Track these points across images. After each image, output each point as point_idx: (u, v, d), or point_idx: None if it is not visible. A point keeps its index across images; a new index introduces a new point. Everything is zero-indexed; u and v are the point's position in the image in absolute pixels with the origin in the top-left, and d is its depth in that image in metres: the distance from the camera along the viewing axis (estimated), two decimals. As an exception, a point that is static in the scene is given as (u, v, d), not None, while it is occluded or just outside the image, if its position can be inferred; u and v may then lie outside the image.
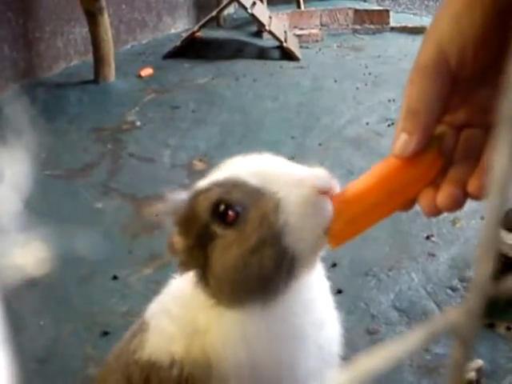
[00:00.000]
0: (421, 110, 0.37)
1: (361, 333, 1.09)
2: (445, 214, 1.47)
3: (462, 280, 1.25)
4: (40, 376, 1.01)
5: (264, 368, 0.51)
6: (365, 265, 1.32)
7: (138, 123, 2.29)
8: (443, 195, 0.37)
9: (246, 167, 0.49)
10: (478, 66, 0.35)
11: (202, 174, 1.92)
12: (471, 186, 0.35)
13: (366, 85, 2.75)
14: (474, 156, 0.36)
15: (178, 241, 0.50)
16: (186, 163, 1.92)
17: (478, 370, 0.98)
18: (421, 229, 1.45)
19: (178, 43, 3.30)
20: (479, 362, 0.99)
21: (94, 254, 1.38)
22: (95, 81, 2.72)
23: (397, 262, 1.32)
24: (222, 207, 0.46)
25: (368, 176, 0.43)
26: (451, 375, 0.15)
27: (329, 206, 0.44)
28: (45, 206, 1.54)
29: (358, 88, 2.70)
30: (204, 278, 0.50)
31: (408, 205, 0.42)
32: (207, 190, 0.48)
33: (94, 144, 2.09)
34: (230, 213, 0.46)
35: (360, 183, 0.43)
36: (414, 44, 3.61)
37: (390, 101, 2.50)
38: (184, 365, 0.51)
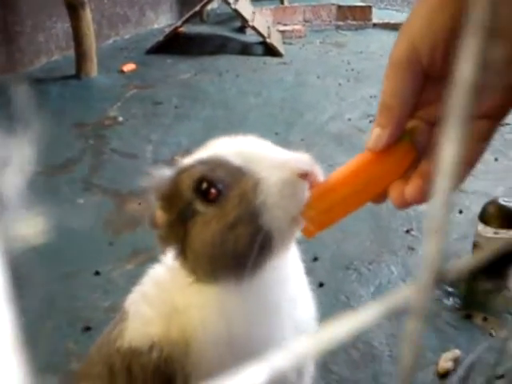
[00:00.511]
0: (394, 105, 0.38)
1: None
2: (424, 208, 1.49)
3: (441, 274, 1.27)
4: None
5: (241, 343, 0.52)
6: (346, 259, 1.33)
7: (121, 119, 2.28)
8: (411, 187, 0.38)
9: (229, 147, 0.50)
10: (449, 65, 0.36)
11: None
12: None
13: (348, 81, 2.77)
14: None
15: (160, 215, 0.51)
16: (169, 159, 1.92)
17: (455, 360, 1.00)
18: (401, 223, 1.47)
19: (160, 38, 3.29)
20: (457, 352, 1.01)
21: (76, 249, 1.38)
22: (77, 76, 2.69)
23: (377, 256, 1.34)
24: (205, 185, 0.47)
25: (343, 168, 0.44)
26: (406, 348, 0.16)
27: (306, 189, 0.46)
28: (25, 201, 1.53)
29: (340, 84, 2.72)
30: (183, 254, 0.51)
31: (381, 197, 0.43)
32: (191, 167, 0.49)
33: (75, 139, 2.08)
34: (212, 190, 0.47)
35: (335, 175, 0.44)
36: (396, 40, 3.64)
37: (371, 97, 2.52)
38: (163, 346, 0.52)
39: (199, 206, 0.48)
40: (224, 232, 0.47)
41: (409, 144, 0.40)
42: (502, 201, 1.13)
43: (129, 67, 2.90)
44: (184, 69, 2.96)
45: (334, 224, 0.45)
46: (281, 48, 3.30)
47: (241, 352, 0.52)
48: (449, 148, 0.16)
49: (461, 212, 1.52)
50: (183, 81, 2.78)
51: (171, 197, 0.50)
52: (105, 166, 1.87)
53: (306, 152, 0.50)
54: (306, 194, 0.46)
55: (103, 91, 2.61)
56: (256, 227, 0.47)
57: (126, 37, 3.63)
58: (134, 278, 1.29)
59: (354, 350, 1.04)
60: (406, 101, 0.37)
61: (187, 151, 1.99)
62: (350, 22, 4.04)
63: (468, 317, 1.13)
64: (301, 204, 0.46)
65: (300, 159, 0.47)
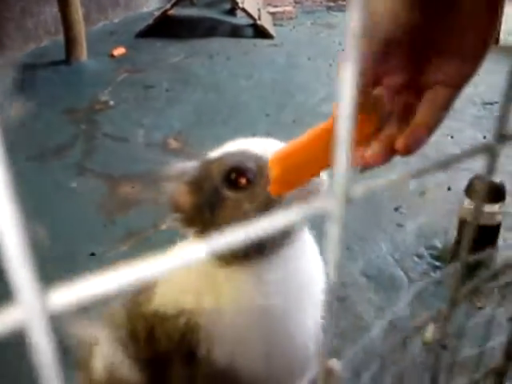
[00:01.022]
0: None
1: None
2: (414, 187, 1.51)
3: (428, 248, 1.31)
4: (19, 357, 1.03)
5: (268, 316, 0.57)
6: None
7: (112, 103, 2.28)
8: (371, 150, 0.39)
9: (256, 144, 0.57)
10: (411, 29, 0.36)
11: (177, 152, 1.92)
12: (398, 144, 0.38)
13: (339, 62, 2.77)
14: (407, 118, 0.39)
15: (186, 200, 0.57)
16: (161, 142, 1.93)
17: (442, 329, 1.03)
18: (390, 201, 1.50)
19: (150, 22, 3.27)
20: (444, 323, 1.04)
21: (71, 232, 1.40)
22: (67, 61, 2.68)
23: (366, 233, 1.37)
24: (234, 175, 0.54)
25: (309, 133, 0.46)
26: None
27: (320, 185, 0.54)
28: (19, 187, 1.54)
29: (331, 65, 2.72)
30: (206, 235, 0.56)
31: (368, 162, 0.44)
32: (221, 158, 0.56)
33: (67, 125, 2.08)
34: (242, 179, 0.54)
35: (300, 139, 0.46)
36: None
37: (362, 77, 2.53)
38: (192, 314, 0.55)
39: (227, 193, 0.54)
40: (257, 209, 0.53)
41: (371, 111, 0.41)
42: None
43: (119, 51, 2.89)
44: (174, 52, 2.95)
45: (299, 185, 0.47)
46: (271, 30, 3.29)
47: (265, 324, 0.58)
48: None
49: (449, 189, 1.55)
50: (174, 64, 2.78)
51: (199, 183, 0.56)
52: (97, 150, 1.88)
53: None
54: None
55: (94, 76, 2.60)
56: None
57: (116, 21, 3.61)
58: (128, 259, 1.32)
59: (344, 321, 1.08)
60: (368, 67, 0.38)
61: (179, 134, 2.00)
62: (340, 2, 4.02)
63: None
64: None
65: None
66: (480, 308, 1.11)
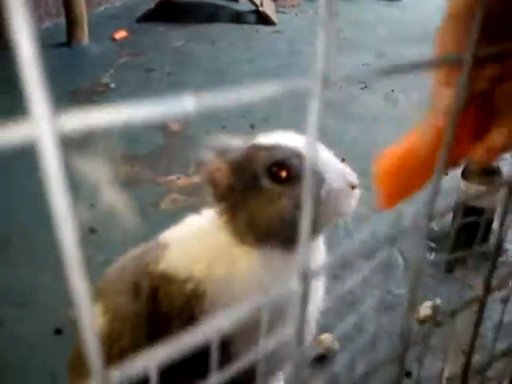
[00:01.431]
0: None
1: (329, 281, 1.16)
2: None
3: (424, 230, 1.32)
4: (20, 318, 1.05)
5: (282, 304, 0.59)
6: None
7: (113, 86, 2.28)
8: (497, 135, 0.38)
9: (304, 143, 0.59)
10: (507, 14, 0.34)
11: (177, 134, 1.93)
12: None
13: (340, 49, 2.77)
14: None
15: (224, 177, 0.59)
16: (162, 125, 1.93)
17: (435, 308, 1.05)
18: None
19: (152, 6, 3.26)
20: (436, 301, 1.06)
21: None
22: (68, 43, 2.68)
23: (363, 215, 1.38)
24: (276, 168, 0.57)
25: (412, 138, 0.42)
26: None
27: (354, 198, 0.59)
28: (17, 168, 1.55)
29: (332, 52, 2.72)
30: (233, 215, 0.59)
31: (456, 161, 0.41)
32: (268, 148, 0.58)
33: (68, 107, 2.08)
34: (284, 173, 0.57)
35: (405, 146, 0.43)
36: (389, 10, 3.62)
37: (363, 65, 2.53)
38: (201, 282, 0.57)
39: (266, 183, 0.57)
40: (293, 208, 0.56)
41: (478, 105, 0.38)
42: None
43: (120, 34, 2.89)
44: (176, 36, 2.95)
45: (409, 196, 0.44)
46: (274, 17, 3.28)
47: (281, 310, 0.59)
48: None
49: (446, 174, 1.56)
50: (175, 48, 2.77)
51: (241, 166, 0.58)
52: (98, 131, 1.88)
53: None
54: (354, 201, 0.59)
55: (95, 59, 2.60)
56: (315, 213, 0.55)
57: (117, 4, 3.59)
58: (126, 235, 1.33)
59: (340, 301, 1.09)
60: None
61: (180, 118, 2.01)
62: (343, -10, 4.00)
63: (449, 271, 1.18)
64: (348, 208, 0.58)
65: (351, 173, 0.60)
66: (471, 287, 1.12)
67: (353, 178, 0.59)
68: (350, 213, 0.59)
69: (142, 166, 1.66)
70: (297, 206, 0.55)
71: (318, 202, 0.56)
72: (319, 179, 0.56)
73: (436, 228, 1.32)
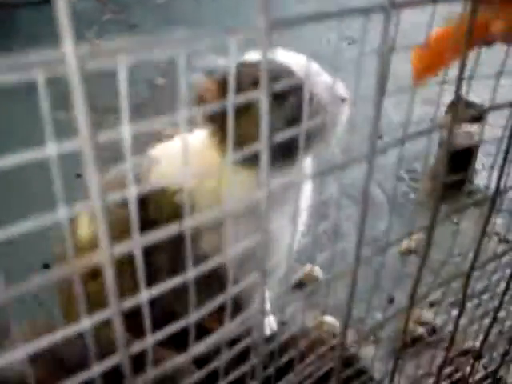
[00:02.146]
0: None
1: (315, 219, 1.18)
2: (397, 119, 1.52)
3: (408, 171, 1.34)
4: (8, 255, 1.07)
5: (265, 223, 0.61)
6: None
7: (97, 42, 2.24)
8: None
9: (293, 59, 0.60)
10: None
11: (163, 88, 1.91)
12: None
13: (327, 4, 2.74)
14: None
15: (213, 95, 0.59)
16: (147, 78, 1.92)
17: (418, 241, 1.08)
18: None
19: (134, -37, 3.17)
20: (419, 235, 1.09)
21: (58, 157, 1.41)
22: (49, 0, 2.61)
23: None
24: None
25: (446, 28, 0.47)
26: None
27: (344, 110, 0.59)
28: (4, 122, 1.54)
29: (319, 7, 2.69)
30: (223, 136, 0.59)
31: (489, 41, 0.46)
32: (255, 64, 0.58)
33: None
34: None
35: (439, 31, 0.48)
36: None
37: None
38: (190, 194, 0.58)
39: (254, 99, 0.54)
40: (282, 124, 0.56)
41: None
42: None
43: (103, -8, 2.82)
44: (160, -7, 2.89)
45: (438, 70, 0.49)
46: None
47: (255, 224, 0.61)
48: None
49: (432, 120, 1.58)
50: (159, 4, 2.72)
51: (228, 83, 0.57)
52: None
53: None
54: (344, 114, 0.58)
55: (78, 15, 2.54)
56: (305, 127, 0.55)
57: (99, -37, 3.50)
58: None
59: (324, 234, 1.12)
60: None
61: (166, 72, 1.99)
62: None
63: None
64: (339, 121, 0.58)
65: (341, 86, 0.60)
66: (456, 223, 1.15)
67: (343, 91, 0.59)
68: (341, 127, 0.60)
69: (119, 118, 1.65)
70: (286, 122, 0.56)
71: (308, 116, 0.56)
72: (309, 93, 0.57)
73: (419, 168, 1.34)
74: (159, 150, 0.65)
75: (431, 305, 0.96)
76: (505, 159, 0.50)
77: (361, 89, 0.47)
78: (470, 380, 0.75)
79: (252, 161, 0.58)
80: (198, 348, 0.30)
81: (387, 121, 1.56)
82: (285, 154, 0.57)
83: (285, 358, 0.37)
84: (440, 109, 1.30)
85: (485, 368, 0.74)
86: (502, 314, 0.72)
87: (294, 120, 0.57)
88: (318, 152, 0.63)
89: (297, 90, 0.57)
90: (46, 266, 1.04)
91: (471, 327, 0.71)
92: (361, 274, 0.42)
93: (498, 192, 0.53)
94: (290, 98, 0.56)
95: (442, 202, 1.32)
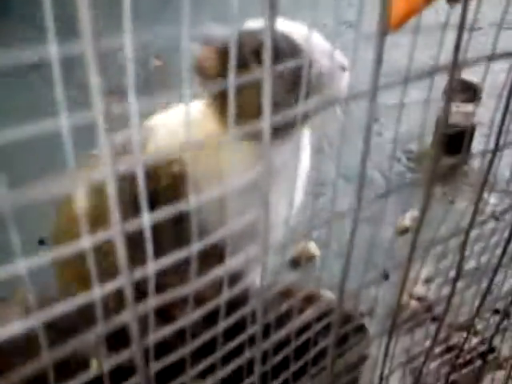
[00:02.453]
0: None
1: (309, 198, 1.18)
2: (393, 100, 1.52)
3: (405, 152, 1.35)
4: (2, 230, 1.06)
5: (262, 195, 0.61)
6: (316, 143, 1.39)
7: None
8: None
9: (292, 27, 0.59)
10: None
11: (158, 69, 1.89)
12: None
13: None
14: None
15: (212, 64, 0.58)
16: (142, 59, 1.90)
17: (414, 220, 1.09)
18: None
19: None
20: (415, 213, 1.10)
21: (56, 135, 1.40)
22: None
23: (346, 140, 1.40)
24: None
25: None
26: None
27: (344, 81, 0.59)
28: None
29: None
30: (222, 106, 0.59)
31: None
32: (257, 33, 0.57)
33: (47, 40, 2.03)
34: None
35: None
36: None
37: (348, 5, 2.49)
38: (187, 165, 0.58)
39: (254, 66, 0.56)
40: (282, 92, 0.56)
41: None
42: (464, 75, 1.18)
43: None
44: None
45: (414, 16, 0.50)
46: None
47: (252, 197, 0.61)
48: None
49: (427, 101, 1.58)
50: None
51: (228, 52, 0.56)
52: (77, 64, 1.85)
53: None
54: (344, 83, 0.59)
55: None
56: (305, 96, 0.55)
57: None
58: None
59: (322, 213, 1.12)
60: None
61: (161, 52, 1.97)
62: None
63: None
64: (339, 90, 0.58)
65: (341, 55, 0.59)
66: (452, 202, 1.16)
67: (343, 59, 0.59)
68: (341, 96, 0.60)
69: (120, 100, 1.64)
70: (286, 91, 0.56)
71: (307, 84, 0.56)
72: (309, 61, 0.57)
73: (415, 149, 1.35)
74: (156, 121, 0.65)
75: (427, 281, 0.96)
76: (499, 134, 0.50)
77: (360, 61, 0.47)
78: (465, 348, 0.76)
79: (252, 134, 0.59)
80: (193, 316, 0.31)
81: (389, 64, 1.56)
82: (284, 124, 0.57)
83: (283, 308, 0.37)
84: (442, 52, 1.30)
85: (479, 338, 0.75)
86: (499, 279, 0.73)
87: (294, 87, 0.56)
88: (317, 122, 0.63)
89: (296, 55, 0.56)
90: (42, 242, 1.04)
91: (467, 292, 0.71)
92: (356, 252, 0.43)
93: (491, 168, 0.53)
94: (288, 68, 0.56)
95: (437, 183, 1.33)
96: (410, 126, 1.46)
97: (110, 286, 0.25)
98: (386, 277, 0.96)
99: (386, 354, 0.53)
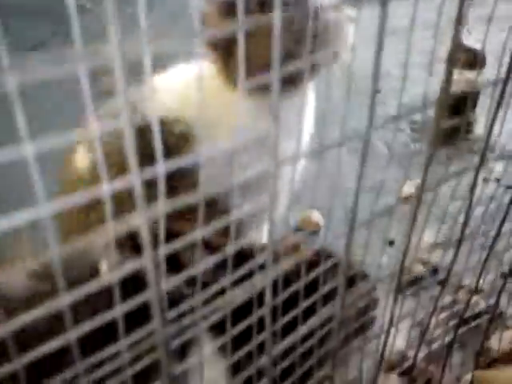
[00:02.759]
0: None
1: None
2: (396, 72, 1.49)
3: (408, 122, 1.33)
4: None
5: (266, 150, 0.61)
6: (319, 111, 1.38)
7: (88, 6, 2.20)
8: None
9: None
10: None
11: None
12: None
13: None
14: None
15: (217, 17, 0.57)
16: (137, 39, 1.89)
17: (418, 187, 1.08)
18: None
19: None
20: (418, 181, 1.09)
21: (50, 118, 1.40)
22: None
23: (347, 110, 1.39)
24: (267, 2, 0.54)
25: None
26: None
27: (350, 31, 0.57)
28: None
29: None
30: (226, 63, 0.57)
31: None
32: None
33: (43, 24, 2.03)
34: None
35: None
36: None
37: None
38: (191, 124, 0.56)
39: (260, 16, 0.52)
40: (288, 44, 0.54)
41: None
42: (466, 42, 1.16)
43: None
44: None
45: None
46: None
47: (256, 154, 0.59)
48: None
49: (431, 75, 1.56)
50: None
51: (234, 7, 0.54)
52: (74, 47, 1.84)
53: None
54: (350, 34, 0.57)
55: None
56: (312, 46, 0.56)
57: None
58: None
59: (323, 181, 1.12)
60: None
61: (153, 35, 1.96)
62: None
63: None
64: (344, 39, 0.58)
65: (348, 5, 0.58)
66: (448, 158, 1.15)
67: (349, 10, 0.59)
68: (346, 46, 0.58)
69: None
70: (293, 42, 0.55)
71: (314, 36, 0.55)
72: (315, 11, 0.56)
73: (419, 119, 1.33)
74: (157, 80, 0.64)
75: (433, 246, 0.96)
76: (498, 103, 0.49)
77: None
78: (469, 313, 0.76)
79: (258, 88, 0.57)
80: (203, 266, 0.30)
81: (384, 74, 1.54)
82: (290, 78, 0.56)
83: (292, 262, 0.37)
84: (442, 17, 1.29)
85: (486, 300, 0.75)
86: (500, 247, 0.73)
87: (301, 39, 0.55)
88: (322, 74, 0.62)
89: (303, 8, 0.55)
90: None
91: (472, 259, 0.71)
92: (362, 219, 0.42)
93: (491, 134, 0.52)
94: (293, 17, 0.54)
95: (441, 148, 1.31)
96: (414, 97, 1.45)
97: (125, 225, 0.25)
98: (390, 243, 0.96)
99: (391, 318, 0.53)
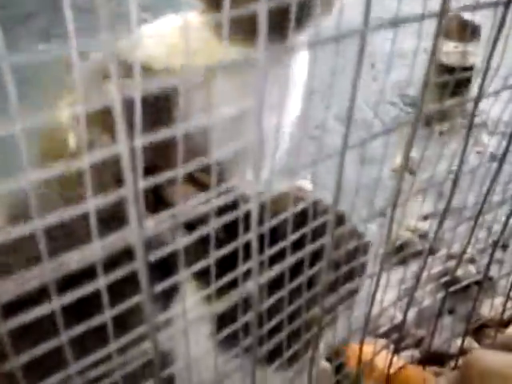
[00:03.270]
0: None
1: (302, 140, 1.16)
2: (391, 48, 1.46)
3: (401, 96, 1.32)
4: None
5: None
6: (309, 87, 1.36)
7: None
8: None
9: None
10: None
11: (146, 23, 1.83)
12: None
13: None
14: None
15: None
16: (129, 14, 1.86)
17: (410, 159, 1.07)
18: (366, 58, 1.49)
19: None
20: (413, 154, 1.08)
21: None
22: None
23: (341, 84, 1.37)
24: None
25: None
26: None
27: None
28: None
29: None
30: (216, 12, 0.55)
31: None
32: None
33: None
34: None
35: None
36: None
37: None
38: (178, 74, 0.54)
39: None
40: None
41: None
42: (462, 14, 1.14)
43: None
44: None
45: None
46: None
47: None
48: None
49: (425, 50, 1.55)
50: None
51: None
52: (64, 19, 1.80)
53: None
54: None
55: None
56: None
57: None
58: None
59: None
60: None
61: (148, 7, 1.92)
62: None
63: (427, 124, 1.19)
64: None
65: None
66: (441, 133, 1.14)
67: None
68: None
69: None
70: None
71: (301, 4, 0.54)
72: None
73: (411, 94, 1.32)
74: (146, 27, 0.62)
75: (425, 218, 0.95)
76: (498, 29, 0.47)
77: None
78: (459, 281, 0.75)
79: (248, 36, 0.55)
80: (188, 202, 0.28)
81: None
82: (278, 24, 0.54)
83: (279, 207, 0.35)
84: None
85: (476, 267, 0.74)
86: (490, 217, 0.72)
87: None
88: (312, 26, 0.60)
89: None
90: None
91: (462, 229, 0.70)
92: (353, 191, 0.41)
93: (477, 105, 0.50)
94: None
95: (435, 122, 1.29)
96: (408, 72, 1.43)
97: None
98: (382, 214, 0.95)
99: (377, 283, 0.52)
